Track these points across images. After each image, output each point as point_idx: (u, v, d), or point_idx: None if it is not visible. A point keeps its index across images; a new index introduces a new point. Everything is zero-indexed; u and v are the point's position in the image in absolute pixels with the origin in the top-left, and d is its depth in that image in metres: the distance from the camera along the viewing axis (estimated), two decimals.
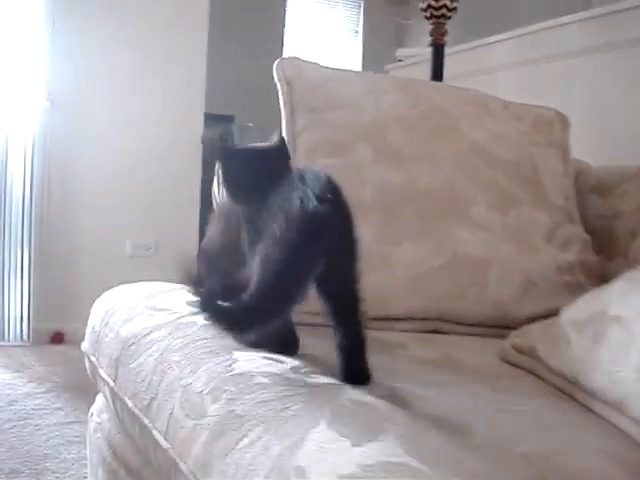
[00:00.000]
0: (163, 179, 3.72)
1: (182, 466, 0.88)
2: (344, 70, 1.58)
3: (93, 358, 1.37)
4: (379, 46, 5.35)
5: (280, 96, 1.44)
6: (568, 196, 1.57)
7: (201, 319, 1.17)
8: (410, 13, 3.76)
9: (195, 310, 1.23)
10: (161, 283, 1.48)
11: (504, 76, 3.13)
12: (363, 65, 5.63)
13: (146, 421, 1.04)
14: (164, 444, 0.96)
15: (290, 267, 0.86)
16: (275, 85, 1.45)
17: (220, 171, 1.03)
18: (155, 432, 1.00)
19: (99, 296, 1.54)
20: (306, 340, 1.09)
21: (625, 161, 1.82)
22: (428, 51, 2.92)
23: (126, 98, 3.69)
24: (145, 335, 1.17)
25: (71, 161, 3.59)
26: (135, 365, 1.14)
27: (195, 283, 1.16)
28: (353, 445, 0.71)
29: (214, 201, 1.83)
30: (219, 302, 0.88)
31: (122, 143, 3.67)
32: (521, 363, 1.09)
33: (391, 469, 0.66)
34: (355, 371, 0.90)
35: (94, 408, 1.54)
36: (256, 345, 1.00)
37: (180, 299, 1.33)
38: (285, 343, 1.00)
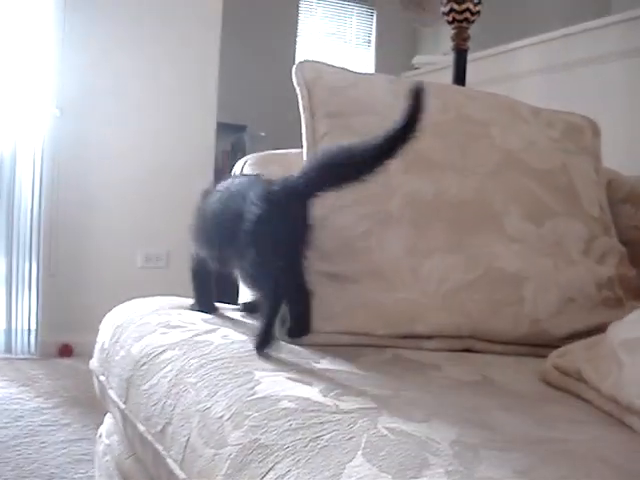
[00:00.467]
0: (174, 189, 3.65)
1: None
2: (366, 74, 1.50)
3: (102, 377, 1.30)
4: (393, 55, 5.30)
5: (300, 100, 1.36)
6: (603, 206, 1.49)
7: (218, 337, 1.10)
8: (427, 19, 3.68)
9: (212, 327, 1.16)
10: (174, 298, 1.40)
11: (529, 82, 3.06)
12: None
13: (160, 448, 0.96)
14: (180, 474, 0.88)
15: (269, 279, 1.04)
16: (287, 94, 1.38)
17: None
18: (169, 461, 0.92)
19: (108, 308, 1.47)
20: (335, 360, 1.02)
21: None
22: (446, 58, 2.85)
23: (137, 107, 3.63)
24: (158, 354, 1.09)
25: (80, 171, 3.53)
26: (147, 387, 1.06)
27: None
28: None
29: None
30: None
31: (132, 153, 3.61)
32: (566, 386, 1.00)
33: None
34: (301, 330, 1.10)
35: (103, 429, 1.46)
36: None
37: (195, 315, 1.25)
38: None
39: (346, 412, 0.79)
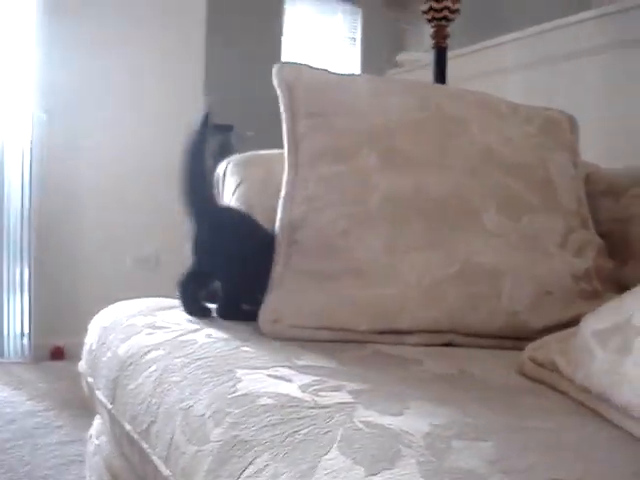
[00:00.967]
0: (162, 190, 3.66)
1: None
2: (346, 74, 1.52)
3: (90, 379, 1.32)
4: (378, 53, 5.31)
5: (280, 101, 1.38)
6: (580, 200, 1.51)
7: (202, 337, 1.12)
8: (410, 17, 3.71)
9: (196, 327, 1.18)
10: (160, 299, 1.42)
11: (509, 78, 3.09)
12: (362, 72, 5.59)
13: (145, 446, 0.98)
14: (165, 471, 0.90)
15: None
16: (274, 93, 1.40)
17: None
18: (155, 458, 0.94)
19: (99, 310, 1.49)
20: (315, 356, 1.05)
21: (636, 162, 1.77)
22: (430, 55, 2.87)
23: (123, 109, 3.65)
24: (143, 355, 1.12)
25: (69, 174, 3.54)
26: (133, 386, 1.08)
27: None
28: (368, 474, 0.65)
29: None
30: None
31: (120, 155, 3.63)
32: (541, 377, 1.03)
33: None
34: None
35: (93, 430, 1.48)
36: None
37: (180, 316, 1.27)
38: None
39: (323, 407, 0.81)
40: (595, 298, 1.34)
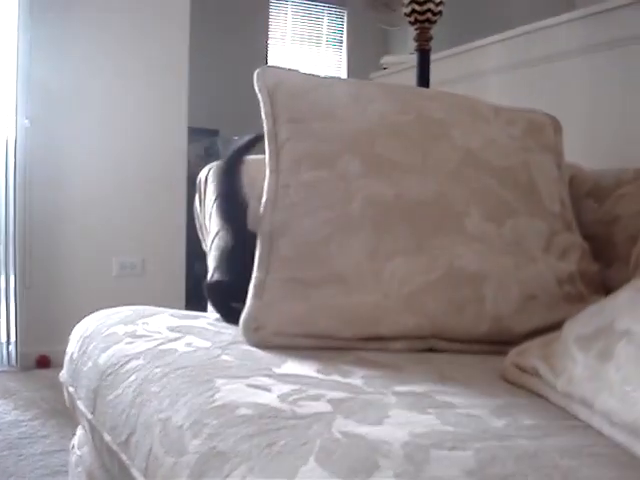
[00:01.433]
0: (147, 196, 3.66)
1: None
2: (328, 77, 1.51)
3: (71, 389, 1.30)
4: (364, 55, 5.31)
5: (261, 106, 1.37)
6: (564, 202, 1.51)
7: (182, 345, 1.11)
8: (396, 20, 3.70)
9: (177, 335, 1.17)
10: (142, 307, 1.41)
11: (493, 81, 3.08)
12: (348, 75, 5.59)
13: (124, 458, 0.97)
14: None
15: None
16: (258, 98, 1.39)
17: None
18: (134, 470, 0.93)
19: (85, 317, 1.47)
20: (296, 364, 1.04)
21: (620, 164, 1.77)
22: (414, 58, 2.87)
23: (107, 115, 3.63)
24: (123, 364, 1.10)
25: (53, 181, 3.52)
26: (113, 397, 1.07)
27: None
28: None
29: (196, 218, 1.77)
30: None
31: (104, 161, 3.61)
32: (523, 383, 1.02)
33: None
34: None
35: (75, 440, 1.47)
36: None
37: (161, 324, 1.26)
38: None
39: (302, 417, 0.80)
40: (580, 302, 1.33)
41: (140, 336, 1.19)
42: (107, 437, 1.05)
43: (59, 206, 3.54)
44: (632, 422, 0.78)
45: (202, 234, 1.75)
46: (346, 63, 5.71)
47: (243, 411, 0.83)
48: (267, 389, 0.90)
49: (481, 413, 0.87)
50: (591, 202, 1.67)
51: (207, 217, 1.67)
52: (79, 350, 1.31)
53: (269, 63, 5.31)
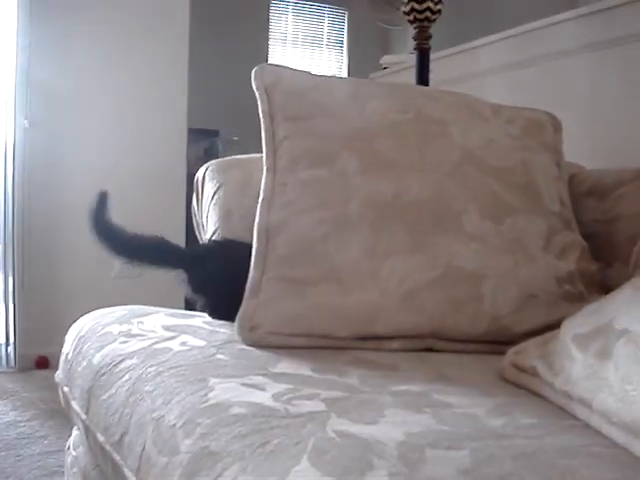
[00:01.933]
0: (146, 197, 3.64)
1: None
2: (326, 76, 1.50)
3: (66, 389, 1.29)
4: (365, 56, 5.30)
5: (259, 105, 1.36)
6: (564, 201, 1.49)
7: (177, 344, 1.10)
8: (397, 19, 3.69)
9: (172, 334, 1.16)
10: (137, 307, 1.40)
11: (493, 80, 3.07)
12: (348, 74, 5.58)
13: (117, 458, 0.96)
14: None
15: None
16: None
17: None
18: (126, 470, 0.92)
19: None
20: (292, 363, 1.02)
21: (620, 163, 1.75)
22: (413, 57, 2.85)
23: (106, 115, 3.62)
24: (117, 364, 1.09)
25: (51, 182, 3.51)
26: (107, 396, 1.06)
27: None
28: None
29: (193, 216, 1.76)
30: None
31: (103, 162, 3.59)
32: (522, 382, 1.01)
33: None
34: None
35: (71, 441, 1.46)
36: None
37: (156, 323, 1.25)
38: None
39: (296, 416, 0.79)
40: (579, 301, 1.32)
41: (135, 335, 1.18)
42: (101, 437, 1.04)
43: (57, 207, 3.52)
44: (631, 421, 0.77)
45: (199, 232, 1.74)
46: (347, 64, 5.70)
47: (236, 410, 0.82)
48: (261, 388, 0.89)
49: (478, 412, 0.86)
50: (591, 201, 1.65)
51: (204, 215, 1.66)
52: (74, 350, 1.30)
53: (268, 63, 5.30)
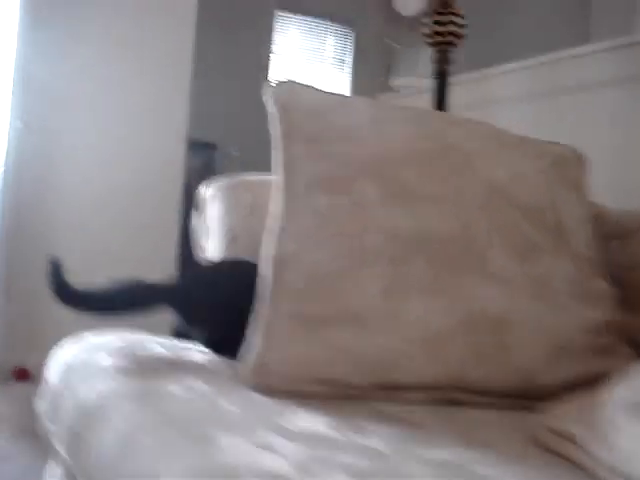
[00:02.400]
0: (141, 209, 3.54)
1: None
2: (346, 96, 1.41)
3: (49, 424, 1.18)
4: (367, 76, 5.24)
5: (273, 123, 1.25)
6: (590, 244, 1.40)
7: (176, 387, 0.99)
8: (407, 40, 3.61)
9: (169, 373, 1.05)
10: (129, 335, 1.29)
11: (511, 109, 2.98)
12: (351, 95, 5.50)
13: None
14: None
15: None
16: (261, 112, 1.28)
17: None
18: None
19: (68, 331, 1.40)
20: (308, 416, 0.92)
21: None
22: (424, 80, 2.77)
23: (104, 123, 3.52)
24: (110, 406, 0.98)
25: (43, 189, 3.41)
26: (97, 443, 0.94)
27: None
28: None
29: (193, 235, 1.67)
30: None
31: (98, 171, 3.49)
32: (558, 449, 0.91)
33: None
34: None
35: (46, 474, 1.34)
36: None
37: (151, 356, 1.15)
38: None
39: None
40: (610, 354, 1.23)
41: (130, 371, 1.08)
42: None
43: (48, 215, 3.42)
44: None
45: (198, 252, 1.64)
46: (350, 83, 5.62)
47: None
48: (275, 450, 0.78)
49: None
50: (614, 244, 1.56)
51: (207, 238, 1.56)
52: (59, 381, 1.19)
53: (270, 77, 5.22)
